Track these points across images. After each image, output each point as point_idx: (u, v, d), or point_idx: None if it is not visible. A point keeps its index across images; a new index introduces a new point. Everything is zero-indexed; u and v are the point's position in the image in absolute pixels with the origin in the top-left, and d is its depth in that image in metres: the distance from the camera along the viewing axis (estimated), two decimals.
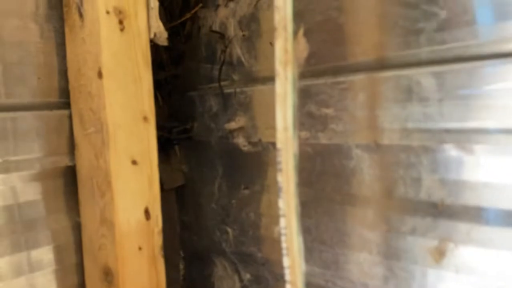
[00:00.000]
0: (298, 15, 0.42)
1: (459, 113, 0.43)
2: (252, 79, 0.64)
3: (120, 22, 0.58)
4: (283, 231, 0.42)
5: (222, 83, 0.68)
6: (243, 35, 0.65)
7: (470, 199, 0.44)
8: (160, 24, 0.63)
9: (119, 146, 0.58)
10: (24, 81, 0.59)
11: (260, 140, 0.64)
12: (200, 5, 0.71)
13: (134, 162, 0.60)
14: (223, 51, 0.68)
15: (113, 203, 0.58)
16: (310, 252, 0.58)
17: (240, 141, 0.66)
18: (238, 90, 0.66)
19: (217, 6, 0.69)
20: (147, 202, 0.62)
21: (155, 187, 0.63)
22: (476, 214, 0.43)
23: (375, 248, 0.52)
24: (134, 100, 0.60)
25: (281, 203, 0.42)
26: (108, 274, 0.60)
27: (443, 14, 0.44)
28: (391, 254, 0.50)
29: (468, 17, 0.42)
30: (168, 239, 0.67)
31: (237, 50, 0.66)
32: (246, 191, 0.67)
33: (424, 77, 0.45)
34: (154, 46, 0.65)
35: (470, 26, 0.42)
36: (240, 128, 0.66)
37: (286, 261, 0.43)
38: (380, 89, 0.49)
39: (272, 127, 0.43)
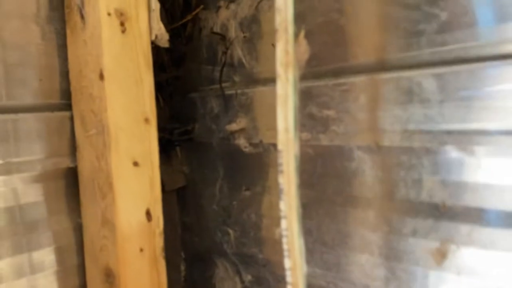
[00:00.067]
0: (299, 17, 0.42)
1: (460, 114, 0.43)
2: (253, 80, 0.65)
3: (122, 24, 0.58)
4: (284, 233, 0.42)
5: (223, 84, 0.68)
6: (244, 37, 0.65)
7: (471, 200, 0.44)
8: (161, 26, 0.63)
9: (121, 148, 0.58)
10: (25, 82, 0.59)
11: (261, 142, 0.64)
12: (201, 6, 0.71)
13: (135, 164, 0.60)
14: (224, 53, 0.68)
15: (114, 205, 0.58)
16: (311, 254, 0.58)
17: (241, 142, 0.66)
18: (239, 91, 0.66)
19: (218, 7, 0.69)
20: (149, 204, 0.62)
21: (157, 189, 0.63)
22: (477, 216, 0.43)
23: (377, 250, 0.52)
24: (136, 101, 0.60)
25: (282, 205, 0.42)
26: (109, 276, 0.60)
27: (443, 15, 0.44)
28: (392, 256, 0.50)
29: (468, 19, 0.43)
30: (169, 240, 0.67)
31: (238, 52, 0.66)
32: (247, 193, 0.67)
33: (425, 78, 0.45)
34: (155, 48, 0.65)
35: (470, 28, 0.43)
36: (241, 130, 0.66)
37: (287, 263, 0.43)
38: (381, 90, 0.49)
39: (273, 129, 0.43)
